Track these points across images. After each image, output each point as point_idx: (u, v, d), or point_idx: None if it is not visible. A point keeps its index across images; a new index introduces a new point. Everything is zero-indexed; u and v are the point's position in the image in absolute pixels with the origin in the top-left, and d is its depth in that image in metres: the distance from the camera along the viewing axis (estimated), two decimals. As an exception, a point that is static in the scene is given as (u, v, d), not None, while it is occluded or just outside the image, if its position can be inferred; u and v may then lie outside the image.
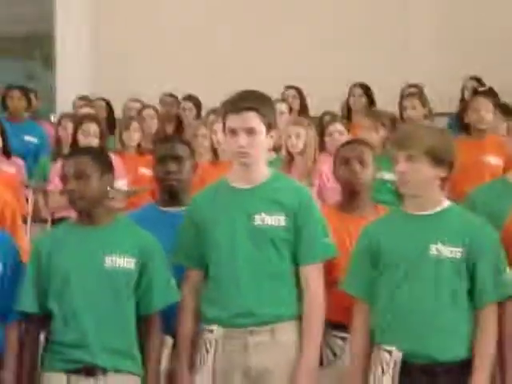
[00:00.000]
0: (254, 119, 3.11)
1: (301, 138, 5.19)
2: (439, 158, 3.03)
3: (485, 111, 5.48)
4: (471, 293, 3.04)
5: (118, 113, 7.26)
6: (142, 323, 3.17)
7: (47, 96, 9.09)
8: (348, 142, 3.75)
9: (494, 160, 5.38)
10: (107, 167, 3.21)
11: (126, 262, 3.13)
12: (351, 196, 3.55)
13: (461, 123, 5.73)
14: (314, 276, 3.15)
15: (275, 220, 3.14)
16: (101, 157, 3.22)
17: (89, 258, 3.11)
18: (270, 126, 3.16)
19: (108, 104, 7.35)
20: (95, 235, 3.15)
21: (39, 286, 3.12)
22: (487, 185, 3.68)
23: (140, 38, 8.62)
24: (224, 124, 3.20)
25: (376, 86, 7.02)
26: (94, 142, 5.34)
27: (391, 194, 4.69)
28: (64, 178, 3.16)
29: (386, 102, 6.56)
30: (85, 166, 3.13)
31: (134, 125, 5.92)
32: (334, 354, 3.42)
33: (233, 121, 3.13)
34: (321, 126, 5.71)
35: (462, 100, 7.10)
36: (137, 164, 5.78)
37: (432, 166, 3.04)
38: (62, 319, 3.09)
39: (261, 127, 3.13)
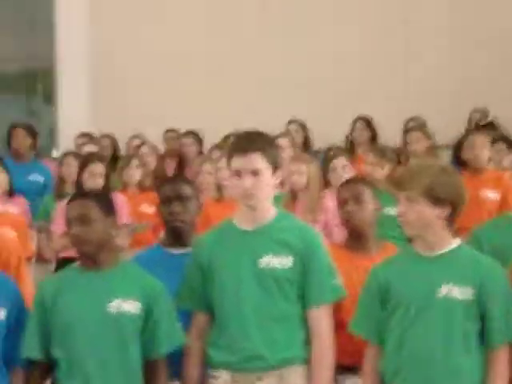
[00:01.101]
0: (259, 160, 3.10)
1: (303, 174, 5.17)
2: (438, 198, 3.00)
3: (479, 149, 5.47)
4: (482, 334, 3.00)
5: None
6: (148, 368, 3.12)
7: (49, 132, 9.10)
8: (346, 182, 3.75)
9: (492, 194, 5.38)
10: (111, 210, 3.18)
11: (130, 307, 3.09)
12: (354, 236, 3.56)
13: (457, 159, 5.71)
14: (322, 318, 3.11)
15: (281, 261, 3.11)
16: (105, 200, 3.20)
17: (93, 303, 3.08)
18: (275, 166, 3.15)
19: (113, 142, 7.32)
20: (99, 279, 3.11)
21: (43, 332, 3.08)
22: (491, 222, 3.66)
23: (141, 73, 8.64)
24: (229, 164, 3.18)
25: (378, 119, 7.02)
26: (99, 182, 5.31)
27: (398, 229, 4.65)
28: (68, 222, 3.14)
29: (389, 135, 6.56)
30: (89, 210, 3.10)
31: (134, 162, 5.90)
32: None
33: (238, 162, 3.11)
34: (326, 161, 5.68)
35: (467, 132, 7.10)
36: (138, 201, 5.75)
37: (431, 206, 3.00)
38: (67, 365, 3.05)
39: (266, 168, 3.11)
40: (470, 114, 7.41)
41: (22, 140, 6.72)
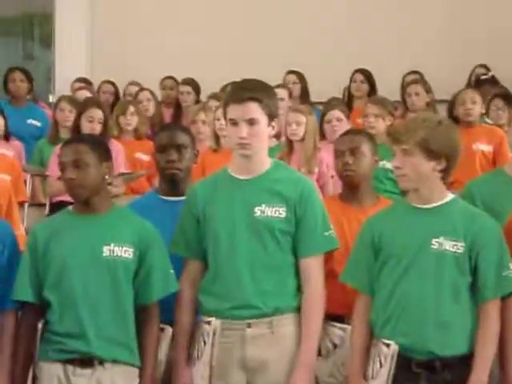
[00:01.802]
0: (255, 110, 3.07)
1: (301, 125, 5.15)
2: (433, 151, 2.99)
3: (470, 104, 5.48)
4: (473, 288, 3.01)
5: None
6: (141, 313, 3.13)
7: (46, 76, 9.03)
8: (344, 133, 3.73)
9: (485, 147, 5.40)
10: (106, 155, 3.16)
11: (124, 252, 3.09)
12: (349, 188, 3.56)
13: (449, 115, 5.71)
14: (314, 268, 3.12)
15: (275, 211, 3.11)
16: (100, 145, 3.18)
17: (87, 247, 3.08)
18: (271, 116, 3.13)
19: (115, 88, 7.25)
20: (93, 224, 3.11)
21: (36, 275, 3.08)
22: (484, 176, 3.64)
23: (140, 19, 8.54)
24: (225, 113, 3.17)
25: (377, 73, 6.97)
26: (98, 128, 5.29)
27: (393, 183, 4.65)
28: (62, 166, 3.12)
29: (387, 89, 6.52)
30: (83, 154, 3.08)
31: (131, 109, 5.86)
32: (334, 345, 3.41)
33: (234, 111, 3.09)
34: (323, 113, 5.64)
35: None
36: (134, 149, 5.74)
37: (426, 159, 3.00)
38: (59, 309, 3.06)
39: (262, 118, 3.09)
40: (472, 70, 7.37)
41: (18, 84, 6.69)
